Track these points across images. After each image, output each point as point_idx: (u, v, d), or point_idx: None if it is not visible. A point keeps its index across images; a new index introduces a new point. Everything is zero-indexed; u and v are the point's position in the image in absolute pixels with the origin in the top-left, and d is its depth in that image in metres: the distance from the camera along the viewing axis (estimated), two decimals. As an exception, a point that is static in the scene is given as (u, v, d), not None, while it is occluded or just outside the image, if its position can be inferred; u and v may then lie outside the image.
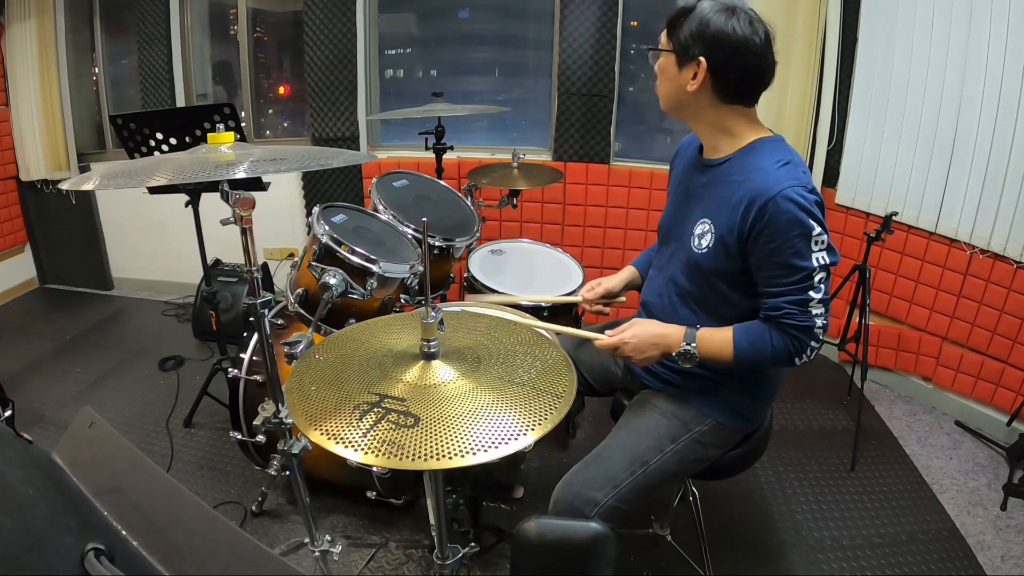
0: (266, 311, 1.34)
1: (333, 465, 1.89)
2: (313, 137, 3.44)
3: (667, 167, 1.57)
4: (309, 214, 1.84)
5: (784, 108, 2.86)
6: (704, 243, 1.29)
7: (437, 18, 3.50)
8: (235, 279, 3.20)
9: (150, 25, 3.41)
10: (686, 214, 1.36)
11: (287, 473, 1.50)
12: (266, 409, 1.44)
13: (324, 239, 1.68)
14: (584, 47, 3.08)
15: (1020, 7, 2.20)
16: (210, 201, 1.86)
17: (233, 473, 2.26)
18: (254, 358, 1.94)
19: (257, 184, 2.31)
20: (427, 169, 2.55)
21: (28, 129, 3.56)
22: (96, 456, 0.71)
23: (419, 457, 0.83)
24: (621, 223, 3.29)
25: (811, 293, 1.18)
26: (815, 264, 1.17)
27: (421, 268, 1.81)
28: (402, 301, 1.90)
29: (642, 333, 1.32)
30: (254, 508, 2.06)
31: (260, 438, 1.65)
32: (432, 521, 1.26)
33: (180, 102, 3.53)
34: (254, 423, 1.44)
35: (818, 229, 1.16)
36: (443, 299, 2.19)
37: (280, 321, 1.98)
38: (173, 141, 2.18)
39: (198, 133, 2.14)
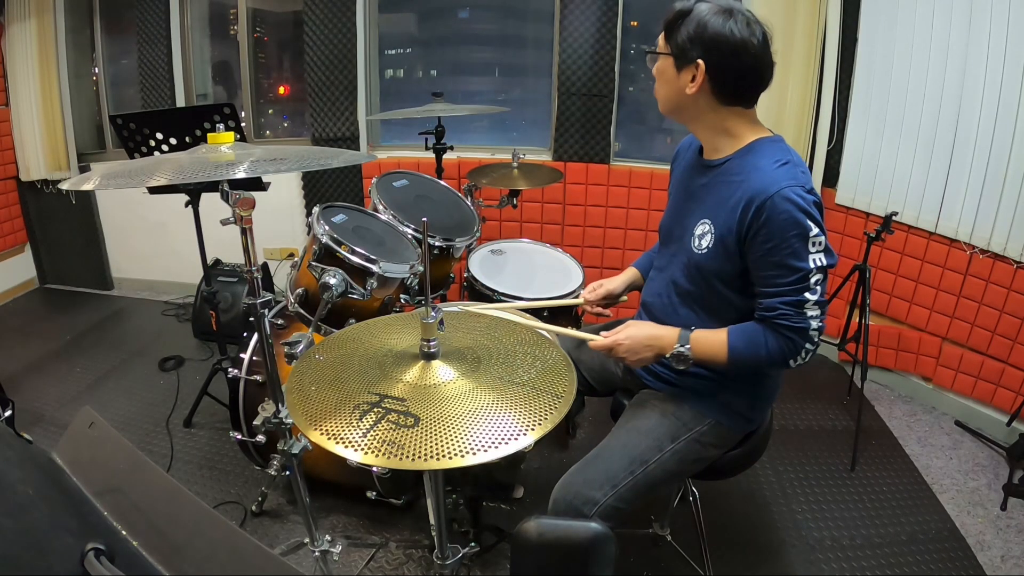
0: (266, 311, 1.34)
1: (333, 465, 1.89)
2: (313, 137, 3.44)
3: (667, 167, 1.57)
4: (309, 214, 1.84)
5: (784, 108, 2.86)
6: (704, 244, 1.29)
7: (437, 18, 3.50)
8: (235, 279, 3.20)
9: (150, 25, 3.41)
10: (686, 215, 1.37)
11: (287, 473, 1.50)
12: (266, 409, 1.44)
13: (324, 239, 1.68)
14: (584, 47, 3.08)
15: (1020, 7, 2.20)
16: (210, 201, 1.86)
17: (233, 473, 2.26)
18: (254, 358, 1.94)
19: (257, 184, 2.31)
20: (427, 169, 2.55)
21: (28, 129, 3.56)
22: (96, 456, 0.71)
23: (419, 457, 0.83)
24: (621, 223, 3.29)
25: (807, 295, 1.18)
26: (812, 265, 1.16)
27: (421, 268, 1.81)
28: (402, 301, 1.90)
29: (636, 335, 1.32)
30: (254, 508, 2.06)
31: (260, 438, 1.66)
32: (432, 521, 1.26)
33: (180, 102, 3.53)
34: (254, 423, 1.44)
35: (815, 230, 1.16)
36: (443, 299, 2.19)
37: (280, 321, 1.98)
38: (173, 141, 2.17)
39: (198, 133, 2.14)
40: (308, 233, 1.81)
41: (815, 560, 1.91)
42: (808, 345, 1.21)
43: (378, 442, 0.86)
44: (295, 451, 1.46)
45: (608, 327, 1.43)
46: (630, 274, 1.66)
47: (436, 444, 0.85)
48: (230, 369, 1.95)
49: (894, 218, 2.38)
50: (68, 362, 3.06)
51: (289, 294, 1.80)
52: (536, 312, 1.94)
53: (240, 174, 1.12)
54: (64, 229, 3.85)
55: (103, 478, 0.69)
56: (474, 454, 0.84)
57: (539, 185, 2.52)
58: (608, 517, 1.27)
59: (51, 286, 4.01)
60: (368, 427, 0.88)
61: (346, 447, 0.85)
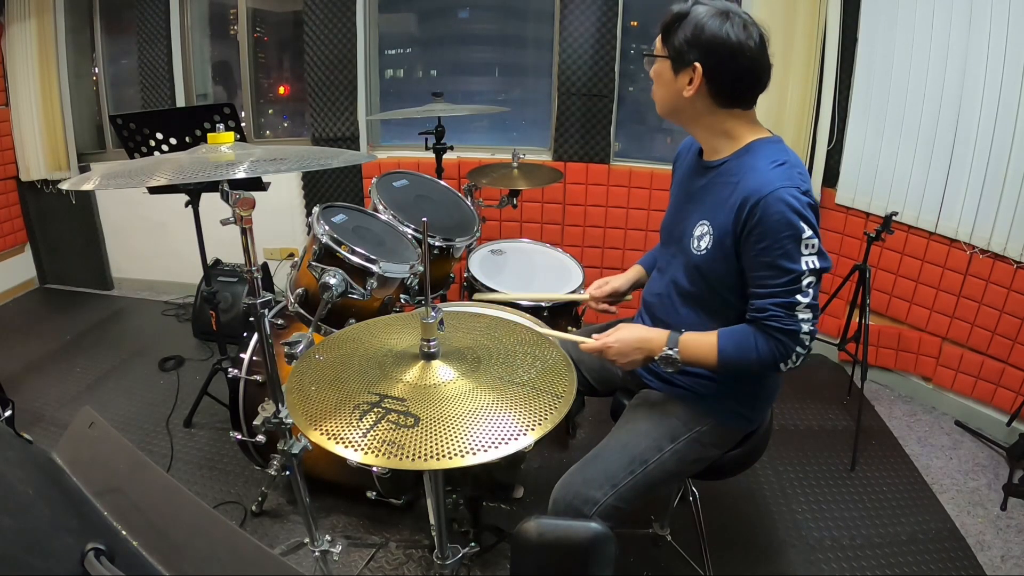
0: (266, 311, 1.34)
1: (333, 465, 1.89)
2: (313, 137, 3.44)
3: (667, 167, 1.57)
4: (309, 214, 1.84)
5: (784, 109, 2.86)
6: (703, 245, 1.29)
7: (437, 18, 3.50)
8: (235, 279, 3.20)
9: (150, 25, 3.41)
10: (686, 216, 1.37)
11: (287, 473, 1.50)
12: (266, 409, 1.44)
13: (324, 239, 1.68)
14: (584, 47, 3.08)
15: (1020, 7, 2.19)
16: (210, 201, 1.86)
17: (233, 473, 2.26)
18: (254, 358, 1.94)
19: (257, 184, 2.31)
20: (427, 169, 2.55)
21: (28, 129, 3.56)
22: (96, 456, 0.71)
23: (419, 457, 0.83)
24: (621, 223, 3.28)
25: (798, 297, 1.17)
26: (804, 268, 1.16)
27: (421, 268, 1.81)
28: (402, 301, 1.90)
29: (625, 337, 1.32)
30: (254, 508, 2.06)
31: (260, 438, 1.66)
32: (432, 521, 1.26)
33: (180, 102, 3.53)
34: (254, 423, 1.44)
35: (809, 232, 1.15)
36: (443, 299, 2.19)
37: (280, 321, 1.98)
38: (173, 141, 2.17)
39: (198, 133, 2.14)
40: (308, 233, 1.81)
41: (815, 560, 1.91)
42: (799, 348, 1.19)
43: (378, 442, 0.86)
44: (295, 451, 1.46)
45: (602, 329, 1.43)
46: (635, 272, 1.66)
47: (436, 444, 0.85)
48: (230, 369, 1.95)
49: (894, 218, 2.38)
50: (68, 362, 3.06)
51: (289, 294, 1.80)
52: (536, 312, 1.94)
53: (240, 174, 1.12)
54: (64, 229, 3.85)
55: (103, 478, 0.69)
56: (474, 454, 0.84)
57: (539, 185, 2.52)
58: (608, 517, 1.27)
59: (51, 286, 4.01)
60: (368, 427, 0.88)
61: (346, 447, 0.86)
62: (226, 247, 2.69)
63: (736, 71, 1.21)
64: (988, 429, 2.54)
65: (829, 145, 2.91)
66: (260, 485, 2.11)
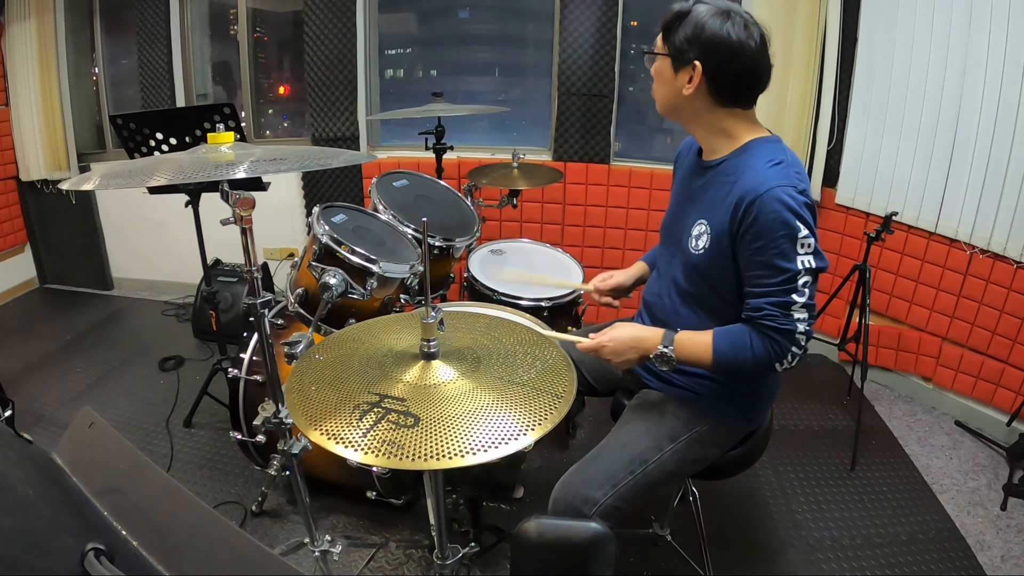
0: (266, 311, 1.34)
1: (333, 465, 1.89)
2: (313, 137, 3.44)
3: (667, 167, 1.58)
4: (309, 214, 1.84)
5: (784, 108, 2.86)
6: (701, 244, 1.29)
7: (437, 18, 3.50)
8: (235, 279, 3.20)
9: (150, 25, 3.41)
10: (685, 215, 1.37)
11: (287, 473, 1.50)
12: (266, 409, 1.44)
13: (324, 239, 1.68)
14: (584, 47, 3.08)
15: (1020, 7, 2.19)
16: (210, 201, 1.86)
17: (233, 473, 2.26)
18: (254, 358, 1.94)
19: (257, 184, 2.31)
20: (427, 169, 2.55)
21: (28, 129, 3.56)
22: (96, 456, 0.71)
23: (419, 457, 0.83)
24: (621, 223, 3.28)
25: (794, 296, 1.17)
26: (800, 267, 1.15)
27: (421, 268, 1.81)
28: (402, 301, 1.90)
29: (619, 336, 1.32)
30: (254, 508, 2.06)
31: (260, 438, 1.66)
32: (432, 521, 1.26)
33: (180, 102, 3.53)
34: (254, 423, 1.44)
35: (805, 231, 1.15)
36: (443, 299, 2.19)
37: (280, 321, 1.98)
38: (173, 141, 2.17)
39: (198, 133, 2.14)
40: (308, 233, 1.81)
41: (815, 560, 1.91)
42: (795, 348, 1.19)
43: (378, 442, 0.86)
44: (295, 451, 1.46)
45: (600, 329, 1.43)
46: (639, 268, 1.66)
47: (436, 444, 0.85)
48: (230, 369, 1.95)
49: (894, 218, 2.38)
50: (68, 362, 3.06)
51: (289, 294, 1.80)
52: (536, 312, 1.94)
53: (240, 174, 1.12)
54: (64, 229, 3.85)
55: (103, 478, 0.69)
56: (474, 454, 0.84)
57: (539, 185, 2.52)
58: (608, 517, 1.27)
59: (51, 286, 4.00)
60: (368, 427, 0.88)
61: (346, 447, 0.86)
62: (226, 247, 2.69)
63: (736, 70, 1.21)
64: (988, 429, 2.54)
65: (829, 145, 2.91)
66: (260, 485, 2.11)
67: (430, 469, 0.90)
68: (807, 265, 1.16)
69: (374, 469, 1.77)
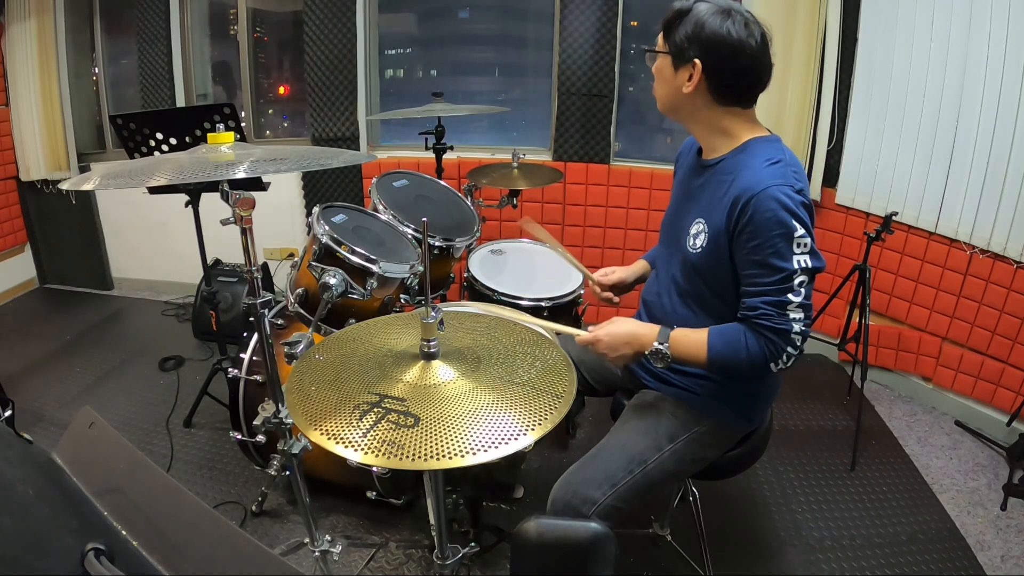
0: (266, 311, 1.34)
1: (333, 465, 1.89)
2: (313, 137, 3.44)
3: (667, 167, 1.58)
4: (309, 214, 1.84)
5: (784, 108, 2.86)
6: (699, 243, 1.29)
7: (437, 18, 3.50)
8: (235, 279, 3.20)
9: (150, 25, 3.41)
10: (684, 215, 1.37)
11: (287, 473, 1.50)
12: (266, 409, 1.44)
13: (324, 239, 1.68)
14: (584, 47, 3.08)
15: (1020, 7, 2.19)
16: (210, 201, 1.86)
17: (233, 473, 2.26)
18: (254, 358, 1.94)
19: (257, 184, 2.31)
20: (427, 169, 2.55)
21: (28, 129, 3.56)
22: (96, 456, 0.71)
23: (419, 457, 0.83)
24: (621, 223, 3.28)
25: (790, 296, 1.16)
26: (795, 266, 1.15)
27: (421, 268, 1.81)
28: (402, 301, 1.90)
29: (615, 331, 1.32)
30: (254, 508, 2.06)
31: (260, 438, 1.66)
32: (432, 521, 1.26)
33: (180, 102, 3.53)
34: (254, 423, 1.44)
35: (801, 231, 1.15)
36: (443, 299, 2.19)
37: (280, 321, 1.98)
38: (173, 141, 2.17)
39: (198, 133, 2.14)
40: (308, 233, 1.81)
41: (815, 560, 1.91)
42: (790, 349, 1.18)
43: (378, 442, 0.86)
44: (295, 451, 1.46)
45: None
46: (641, 266, 1.66)
47: (436, 444, 0.85)
48: (230, 369, 1.95)
49: (894, 218, 2.38)
50: (68, 362, 3.06)
51: (289, 294, 1.80)
52: (537, 311, 1.94)
53: (240, 174, 1.12)
54: (64, 229, 3.85)
55: (103, 478, 0.69)
56: (474, 454, 0.84)
57: (539, 185, 2.52)
58: (607, 517, 1.27)
59: (51, 286, 4.00)
60: (368, 427, 0.88)
61: (346, 447, 0.85)
62: (226, 247, 2.69)
63: (736, 69, 1.21)
64: (988, 429, 2.54)
65: (829, 145, 2.91)
66: (260, 485, 2.11)
67: (430, 469, 0.90)
68: (803, 265, 1.15)
69: (374, 469, 1.77)
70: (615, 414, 1.55)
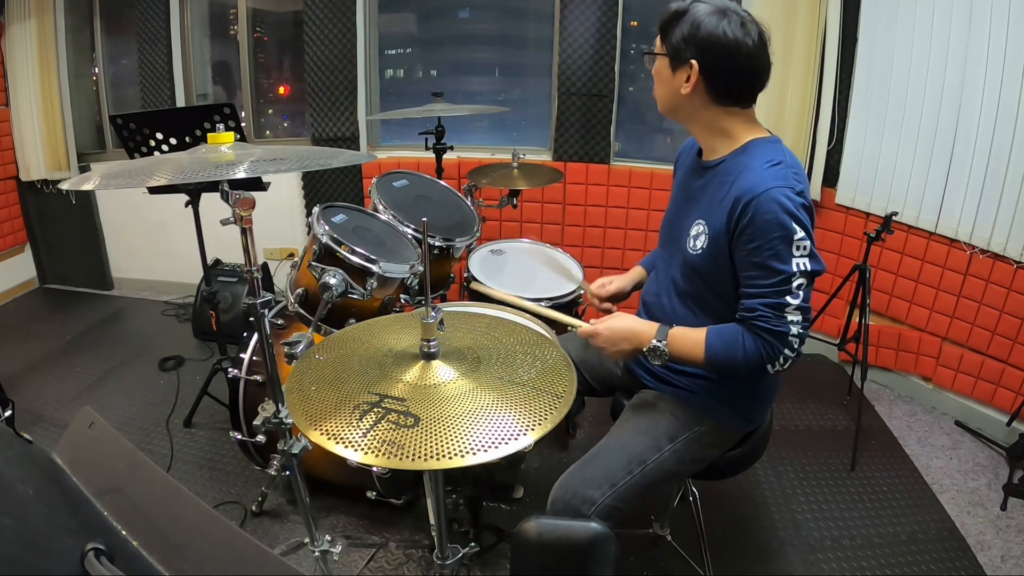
0: (266, 311, 1.34)
1: (333, 465, 1.89)
2: (313, 137, 3.44)
3: (667, 167, 1.58)
4: (309, 214, 1.84)
5: (784, 108, 2.86)
6: (699, 244, 1.29)
7: (437, 18, 3.50)
8: (235, 279, 3.20)
9: (150, 25, 3.41)
10: (684, 216, 1.37)
11: (287, 473, 1.50)
12: (266, 409, 1.44)
13: (324, 239, 1.68)
14: (584, 47, 3.08)
15: (1020, 7, 2.20)
16: (210, 201, 1.86)
17: (233, 473, 2.26)
18: (254, 358, 1.94)
19: (257, 184, 2.31)
20: (427, 169, 2.55)
21: (28, 129, 3.56)
22: (96, 456, 0.71)
23: (419, 457, 0.83)
24: (621, 223, 3.28)
25: (788, 298, 1.16)
26: (794, 269, 1.15)
27: (421, 268, 1.81)
28: (402, 301, 1.90)
29: (615, 326, 1.33)
30: (254, 508, 2.06)
31: (260, 438, 1.65)
32: (432, 521, 1.26)
33: (180, 102, 3.53)
34: (254, 423, 1.44)
35: (801, 234, 1.14)
36: (443, 299, 2.19)
37: (280, 321, 1.98)
38: (173, 141, 2.18)
39: (198, 133, 2.14)
40: (308, 233, 1.81)
41: (815, 560, 1.91)
42: (787, 351, 1.18)
43: (378, 442, 0.86)
44: (295, 451, 1.46)
45: None
46: (637, 273, 1.66)
47: (436, 444, 0.85)
48: (230, 369, 1.95)
49: (894, 218, 2.38)
50: (68, 362, 3.06)
51: (289, 294, 1.80)
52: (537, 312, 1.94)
53: (240, 174, 1.12)
54: (64, 229, 3.85)
55: (103, 478, 0.69)
56: (474, 454, 0.84)
57: (539, 185, 2.52)
58: (607, 517, 1.27)
59: (51, 286, 4.00)
60: (368, 427, 0.88)
61: (346, 447, 0.85)
62: (226, 247, 2.69)
63: (733, 69, 1.21)
64: (988, 429, 2.54)
65: (829, 145, 2.91)
66: (260, 485, 2.11)
67: (430, 469, 0.90)
68: (802, 267, 1.15)
69: (374, 469, 1.77)
70: (615, 414, 1.55)
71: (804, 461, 2.37)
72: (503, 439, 0.87)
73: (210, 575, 0.63)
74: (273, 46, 3.78)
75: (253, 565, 0.62)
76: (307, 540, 1.59)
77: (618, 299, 1.66)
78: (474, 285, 2.00)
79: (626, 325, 1.33)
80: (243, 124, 3.32)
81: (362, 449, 0.85)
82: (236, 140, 1.29)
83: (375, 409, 0.92)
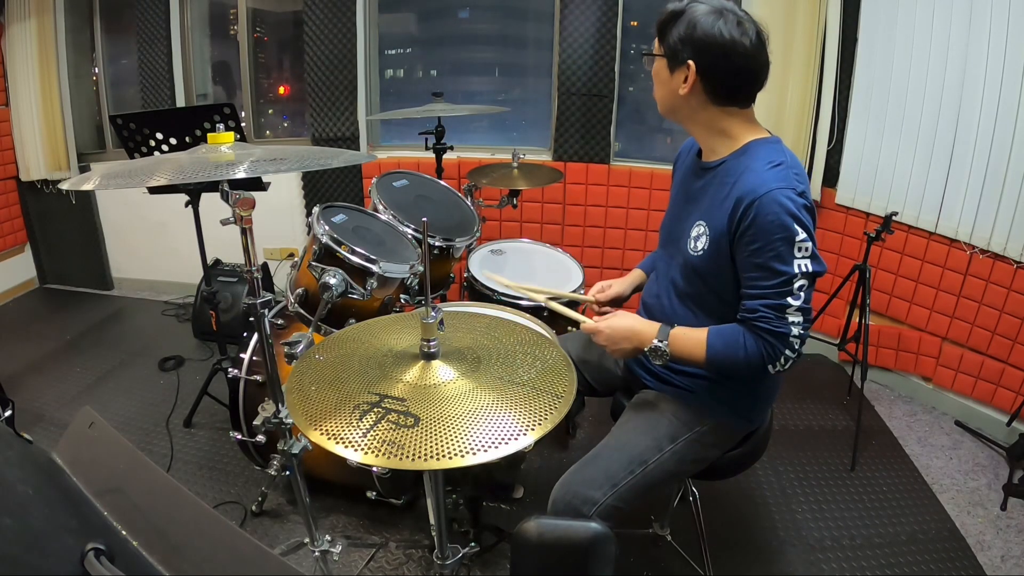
0: (266, 311, 1.34)
1: (333, 465, 1.89)
2: (313, 137, 3.44)
3: (667, 167, 1.58)
4: (309, 214, 1.84)
5: (784, 108, 2.86)
6: (700, 245, 1.29)
7: (437, 18, 3.50)
8: (235, 279, 3.20)
9: (150, 25, 3.41)
10: (684, 217, 1.37)
11: (287, 473, 1.50)
12: (266, 409, 1.44)
13: (324, 239, 1.68)
14: (584, 47, 3.08)
15: (1020, 7, 2.19)
16: (210, 201, 1.86)
17: (233, 473, 2.26)
18: (254, 358, 1.94)
19: (257, 184, 2.31)
20: (427, 169, 2.55)
21: (28, 129, 3.56)
22: (96, 456, 0.71)
23: (419, 457, 0.83)
24: (621, 223, 3.28)
25: (789, 299, 1.16)
26: (796, 270, 1.15)
27: (421, 268, 1.81)
28: (402, 301, 1.90)
29: (616, 324, 1.33)
30: (254, 508, 2.06)
31: (260, 438, 1.66)
32: (432, 521, 1.26)
33: (180, 102, 3.53)
34: (254, 423, 1.44)
35: (802, 235, 1.15)
36: (443, 299, 2.19)
37: (280, 321, 1.98)
38: (173, 141, 2.18)
39: (198, 133, 2.14)
40: (308, 233, 1.81)
41: (815, 560, 1.91)
42: (788, 352, 1.18)
43: (378, 442, 0.86)
44: (295, 451, 1.46)
45: None
46: (636, 275, 1.66)
47: (436, 444, 0.85)
48: (230, 369, 1.95)
49: (894, 218, 2.38)
50: (68, 362, 3.06)
51: (289, 294, 1.80)
52: (537, 311, 1.94)
53: (240, 174, 1.12)
54: (64, 229, 3.85)
55: (103, 478, 0.69)
56: (474, 454, 0.84)
57: (539, 185, 2.52)
58: (607, 517, 1.27)
59: (51, 286, 4.00)
60: (368, 427, 0.88)
61: (346, 447, 0.86)
62: (226, 247, 2.69)
63: (730, 69, 1.21)
64: (988, 429, 2.54)
65: (829, 145, 2.91)
66: (260, 485, 2.11)
67: (430, 469, 0.90)
68: (803, 269, 1.16)
69: (374, 469, 1.77)
70: (615, 414, 1.55)
71: (804, 461, 2.37)
72: (503, 439, 0.87)
73: (210, 575, 0.63)
74: (273, 46, 3.78)
75: (253, 565, 0.62)
76: (307, 540, 1.59)
77: (618, 303, 1.66)
78: (487, 274, 2.01)
79: (628, 324, 1.33)
80: (243, 124, 3.32)
81: (362, 449, 0.85)
82: (236, 140, 1.29)
83: (375, 409, 0.92)
